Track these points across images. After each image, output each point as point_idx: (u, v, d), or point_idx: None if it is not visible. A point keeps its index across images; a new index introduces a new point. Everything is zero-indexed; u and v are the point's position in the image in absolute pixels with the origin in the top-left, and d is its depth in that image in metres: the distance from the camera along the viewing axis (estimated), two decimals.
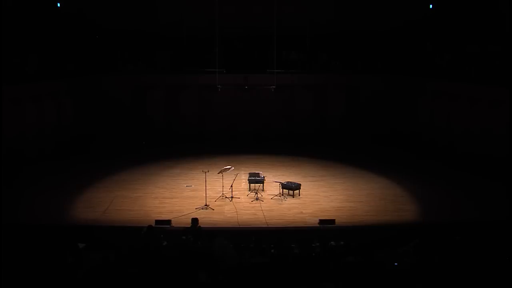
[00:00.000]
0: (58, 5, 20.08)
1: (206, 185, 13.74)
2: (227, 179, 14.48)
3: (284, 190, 14.36)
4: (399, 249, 8.92)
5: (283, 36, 19.06)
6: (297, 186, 14.42)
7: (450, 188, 15.24)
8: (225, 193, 14.23)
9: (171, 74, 21.83)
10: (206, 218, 12.34)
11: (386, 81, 21.94)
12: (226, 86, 18.52)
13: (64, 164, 17.80)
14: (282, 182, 14.51)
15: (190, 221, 10.78)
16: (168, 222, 11.92)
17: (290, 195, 14.29)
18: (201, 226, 10.66)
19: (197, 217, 10.98)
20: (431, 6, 20.56)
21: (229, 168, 14.21)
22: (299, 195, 14.39)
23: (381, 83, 21.99)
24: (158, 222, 11.75)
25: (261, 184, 14.74)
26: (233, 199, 13.98)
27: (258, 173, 15.21)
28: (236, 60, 21.08)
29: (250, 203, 13.75)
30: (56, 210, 13.18)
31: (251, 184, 14.75)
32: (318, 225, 12.07)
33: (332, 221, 12.12)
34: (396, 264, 8.17)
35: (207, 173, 13.92)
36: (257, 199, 13.97)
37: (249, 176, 14.95)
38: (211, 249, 8.56)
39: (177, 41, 21.71)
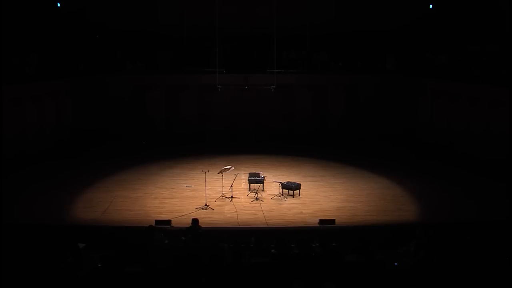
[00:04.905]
0: (58, 5, 20.07)
1: (206, 185, 13.74)
2: (227, 179, 14.47)
3: (284, 190, 14.36)
4: (399, 249, 8.92)
5: (283, 36, 19.05)
6: (297, 186, 14.41)
7: (450, 188, 15.23)
8: (225, 193, 14.24)
9: (171, 74, 21.83)
10: (206, 218, 12.33)
11: (386, 81, 21.94)
12: (226, 86, 18.50)
13: (64, 164, 17.79)
14: (282, 182, 14.50)
15: (190, 221, 10.77)
16: (168, 222, 11.91)
17: (290, 195, 14.29)
18: (201, 226, 10.67)
19: (197, 217, 10.98)
20: (431, 6, 20.56)
21: (229, 168, 14.21)
22: (299, 195, 14.39)
23: (381, 83, 21.99)
24: (158, 222, 11.74)
25: (261, 184, 14.73)
26: (233, 199, 13.98)
27: (258, 173, 15.20)
28: (236, 60, 21.07)
29: (250, 203, 13.75)
30: (56, 210, 13.18)
31: (251, 184, 14.75)
32: (318, 225, 12.07)
33: (332, 221, 12.12)
34: (396, 264, 8.17)
35: (207, 173, 13.93)
36: (257, 199, 13.97)
37: (249, 176, 14.94)
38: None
39: (177, 41, 21.71)
